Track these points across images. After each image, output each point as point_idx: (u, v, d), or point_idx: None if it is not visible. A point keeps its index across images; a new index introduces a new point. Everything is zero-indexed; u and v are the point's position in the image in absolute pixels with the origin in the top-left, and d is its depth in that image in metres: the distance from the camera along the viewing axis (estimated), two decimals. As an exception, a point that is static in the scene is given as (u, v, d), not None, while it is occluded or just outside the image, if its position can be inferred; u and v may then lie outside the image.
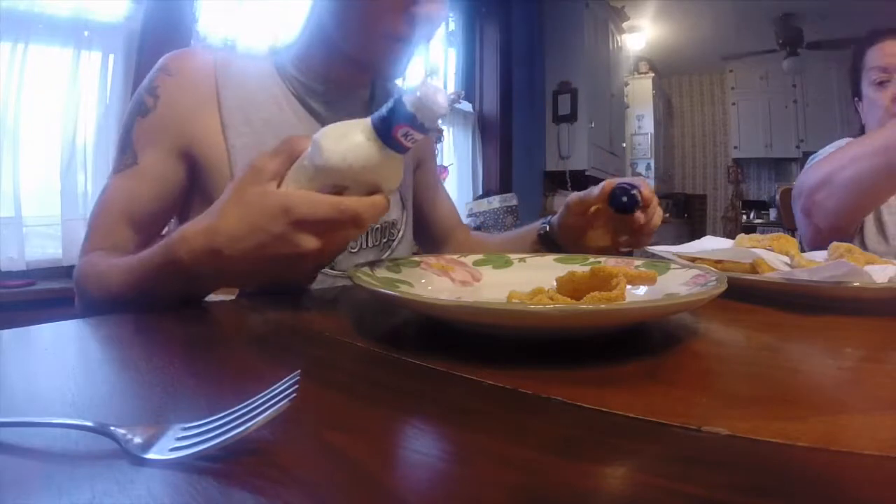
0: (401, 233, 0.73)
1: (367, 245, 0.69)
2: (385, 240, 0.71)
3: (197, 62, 0.63)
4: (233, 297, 0.55)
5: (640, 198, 0.62)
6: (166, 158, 0.60)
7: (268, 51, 0.71)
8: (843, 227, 0.93)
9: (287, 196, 0.41)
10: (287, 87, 0.65)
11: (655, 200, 0.65)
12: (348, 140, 0.40)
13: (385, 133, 0.39)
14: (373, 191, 0.42)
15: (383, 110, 0.39)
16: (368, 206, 0.41)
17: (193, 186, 0.63)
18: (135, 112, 0.61)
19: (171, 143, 0.60)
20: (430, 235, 0.85)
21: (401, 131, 0.38)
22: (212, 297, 0.67)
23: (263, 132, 0.62)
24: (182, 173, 0.61)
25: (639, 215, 0.63)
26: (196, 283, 0.47)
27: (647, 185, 0.64)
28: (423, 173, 0.82)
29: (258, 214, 0.41)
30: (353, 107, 0.69)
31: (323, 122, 0.65)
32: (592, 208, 0.67)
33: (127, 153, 0.60)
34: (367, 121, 0.40)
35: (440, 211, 0.85)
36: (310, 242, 0.41)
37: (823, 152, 1.03)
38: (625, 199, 0.62)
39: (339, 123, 0.41)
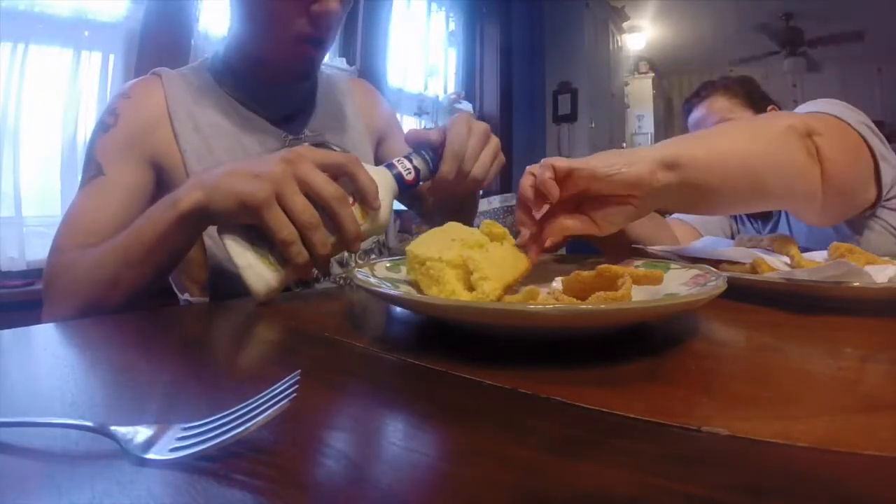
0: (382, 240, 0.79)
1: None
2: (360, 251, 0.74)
3: (149, 86, 0.69)
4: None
5: (420, 165, 0.53)
6: (134, 169, 0.65)
7: (203, 61, 0.74)
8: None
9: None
10: (227, 92, 0.70)
11: (472, 141, 0.55)
12: (377, 171, 0.51)
13: (397, 174, 0.52)
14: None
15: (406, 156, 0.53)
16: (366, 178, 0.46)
17: (158, 194, 0.66)
18: (97, 130, 0.66)
19: (137, 155, 0.65)
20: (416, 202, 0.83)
21: (407, 174, 0.53)
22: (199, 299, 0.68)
23: (211, 136, 0.67)
24: (150, 181, 0.66)
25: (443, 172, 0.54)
26: (176, 201, 0.47)
27: (438, 133, 0.55)
28: (388, 147, 0.83)
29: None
30: (296, 100, 0.72)
31: (272, 121, 0.70)
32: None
33: (91, 167, 0.64)
34: (386, 165, 0.53)
35: None
36: (304, 169, 0.45)
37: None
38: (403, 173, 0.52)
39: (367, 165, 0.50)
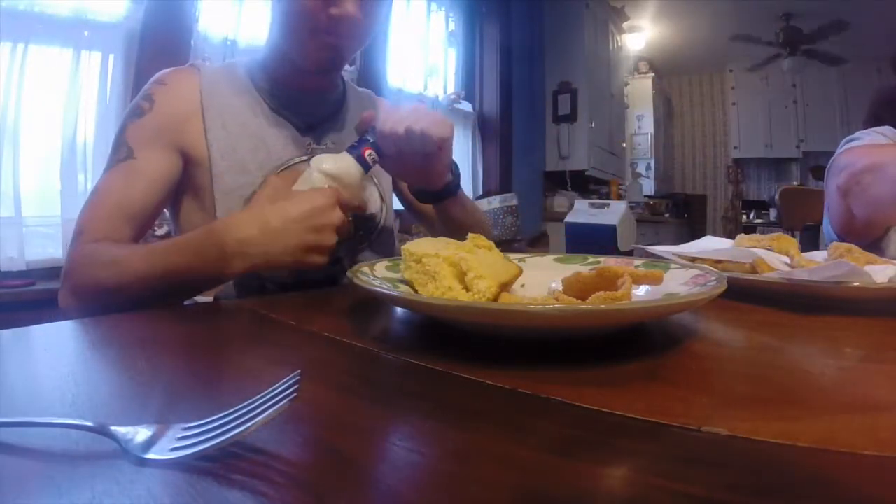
0: (379, 225, 0.79)
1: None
2: (362, 232, 0.76)
3: (185, 76, 0.71)
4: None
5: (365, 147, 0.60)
6: (163, 155, 0.66)
7: (242, 60, 0.76)
8: (877, 221, 0.89)
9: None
10: (259, 95, 0.71)
11: (394, 118, 0.60)
12: (338, 158, 0.59)
13: (357, 155, 0.60)
14: (355, 194, 0.60)
15: (356, 141, 0.61)
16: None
17: (182, 183, 0.69)
18: (130, 115, 0.67)
19: (167, 141, 0.66)
20: (421, 214, 0.88)
21: (367, 153, 0.60)
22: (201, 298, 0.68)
23: (238, 135, 0.68)
24: (177, 169, 0.67)
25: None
26: (226, 263, 0.52)
27: (371, 114, 0.63)
28: None
29: (305, 194, 0.55)
30: (324, 111, 0.75)
31: (297, 128, 0.72)
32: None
33: (122, 150, 0.65)
34: (347, 148, 0.61)
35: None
36: (338, 216, 0.54)
37: (865, 136, 0.99)
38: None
39: (328, 154, 0.61)
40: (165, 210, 0.71)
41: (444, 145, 0.63)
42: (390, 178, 0.83)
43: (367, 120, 0.63)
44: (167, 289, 0.53)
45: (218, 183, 0.66)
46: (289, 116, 0.72)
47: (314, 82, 0.73)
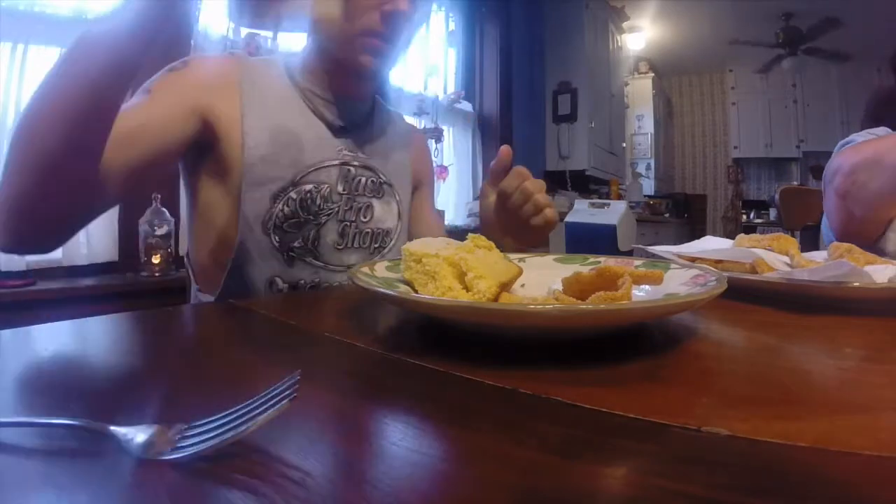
0: (393, 241, 0.79)
1: (352, 245, 0.73)
2: (377, 245, 0.76)
3: (224, 58, 0.71)
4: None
5: None
6: (181, 110, 0.62)
7: (279, 58, 0.76)
8: (879, 217, 0.89)
9: None
10: (297, 92, 0.71)
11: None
12: None
13: None
14: None
15: None
16: None
17: (206, 157, 0.67)
18: (161, 72, 0.65)
19: (190, 100, 0.63)
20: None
21: None
22: (206, 297, 0.68)
23: (275, 128, 0.67)
24: (190, 130, 0.63)
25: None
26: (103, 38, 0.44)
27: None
28: (418, 196, 0.89)
29: None
30: (356, 118, 0.75)
31: (330, 130, 0.72)
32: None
33: (138, 91, 0.62)
34: None
35: (421, 227, 0.88)
36: None
37: (859, 137, 0.99)
38: None
39: None
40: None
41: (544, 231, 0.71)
42: (410, 196, 0.84)
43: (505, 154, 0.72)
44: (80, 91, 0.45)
45: (248, 173, 0.65)
46: (323, 117, 0.72)
47: (353, 87, 0.73)
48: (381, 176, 0.77)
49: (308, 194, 0.68)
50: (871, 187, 0.84)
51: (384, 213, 0.77)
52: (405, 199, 0.81)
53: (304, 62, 0.72)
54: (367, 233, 0.75)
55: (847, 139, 1.02)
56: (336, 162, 0.71)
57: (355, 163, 0.73)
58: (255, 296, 0.66)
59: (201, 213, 0.69)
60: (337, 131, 0.73)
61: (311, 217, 0.69)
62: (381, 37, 0.65)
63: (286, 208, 0.67)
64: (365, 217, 0.74)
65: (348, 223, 0.72)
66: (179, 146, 0.63)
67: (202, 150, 0.66)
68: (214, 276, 0.68)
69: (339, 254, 0.72)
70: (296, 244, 0.68)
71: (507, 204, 0.70)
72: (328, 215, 0.70)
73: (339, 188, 0.71)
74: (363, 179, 0.74)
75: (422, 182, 0.90)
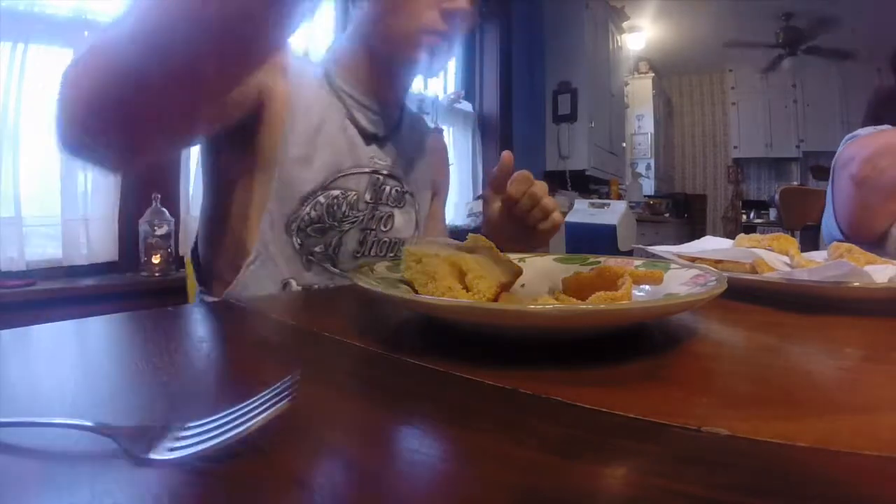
0: None
1: (369, 253, 0.73)
2: (392, 254, 0.75)
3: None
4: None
5: None
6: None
7: (316, 58, 0.78)
8: (894, 207, 0.88)
9: None
10: (336, 97, 0.70)
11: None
12: None
13: None
14: None
15: None
16: None
17: (238, 144, 0.65)
18: None
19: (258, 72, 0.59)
20: None
21: None
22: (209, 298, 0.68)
23: (314, 130, 0.67)
24: (250, 97, 0.62)
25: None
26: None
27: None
28: (432, 204, 0.89)
29: None
30: (387, 125, 0.75)
31: (363, 136, 0.71)
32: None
33: None
34: None
35: (429, 234, 0.89)
36: None
37: (864, 132, 0.99)
38: None
39: None
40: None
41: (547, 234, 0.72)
42: (428, 206, 0.84)
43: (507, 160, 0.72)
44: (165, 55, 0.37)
45: (282, 169, 0.64)
46: (357, 123, 0.71)
47: (394, 92, 0.74)
48: (405, 185, 0.77)
49: (335, 200, 0.68)
50: (892, 173, 0.84)
51: (403, 223, 0.76)
52: (423, 209, 0.82)
53: (345, 64, 0.72)
54: (385, 242, 0.75)
55: (853, 133, 1.02)
56: (367, 169, 0.71)
57: (384, 171, 0.73)
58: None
59: (222, 206, 0.68)
60: (369, 138, 0.72)
61: (336, 223, 0.68)
62: (440, 34, 0.66)
63: (313, 212, 0.66)
64: (385, 226, 0.74)
65: (369, 231, 0.72)
66: (239, 109, 0.62)
67: (243, 135, 0.64)
68: (225, 275, 0.67)
69: (356, 262, 0.71)
70: (317, 249, 0.68)
71: (515, 210, 0.70)
72: (352, 223, 0.70)
73: (367, 196, 0.71)
74: (388, 188, 0.74)
75: (438, 190, 0.90)
